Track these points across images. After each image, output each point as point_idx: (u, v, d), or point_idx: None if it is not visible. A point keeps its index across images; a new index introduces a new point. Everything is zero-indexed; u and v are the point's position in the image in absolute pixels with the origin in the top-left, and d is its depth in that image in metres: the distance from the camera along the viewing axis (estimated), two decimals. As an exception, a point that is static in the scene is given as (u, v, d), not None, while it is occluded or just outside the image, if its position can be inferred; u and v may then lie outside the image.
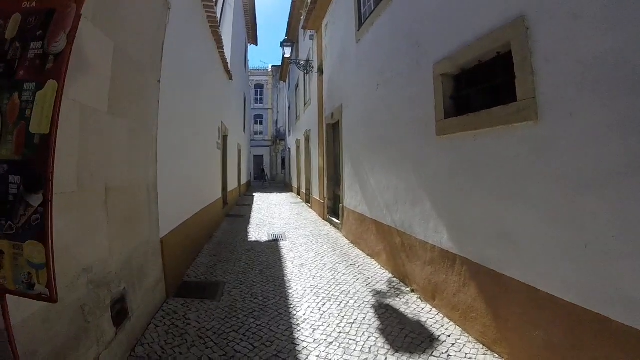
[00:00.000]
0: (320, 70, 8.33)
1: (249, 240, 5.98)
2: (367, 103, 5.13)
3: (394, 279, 4.03)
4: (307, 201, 11.00)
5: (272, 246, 5.54)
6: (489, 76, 2.58)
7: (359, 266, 4.54)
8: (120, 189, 2.37)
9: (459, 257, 2.82)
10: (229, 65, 8.75)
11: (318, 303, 3.25)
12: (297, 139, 13.55)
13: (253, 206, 10.73)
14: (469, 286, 2.62)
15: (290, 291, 3.58)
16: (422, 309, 3.13)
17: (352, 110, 5.93)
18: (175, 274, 3.66)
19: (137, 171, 2.72)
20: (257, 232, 6.68)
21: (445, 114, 3.09)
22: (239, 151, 12.69)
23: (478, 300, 2.48)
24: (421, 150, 3.50)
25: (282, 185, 23.21)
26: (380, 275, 4.17)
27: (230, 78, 9.41)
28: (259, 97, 30.15)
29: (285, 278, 4.01)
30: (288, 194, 15.60)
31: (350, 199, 6.02)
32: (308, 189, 11.15)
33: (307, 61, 9.82)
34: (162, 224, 3.28)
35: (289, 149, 18.51)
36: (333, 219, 7.26)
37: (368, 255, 5.01)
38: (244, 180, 14.92)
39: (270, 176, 27.15)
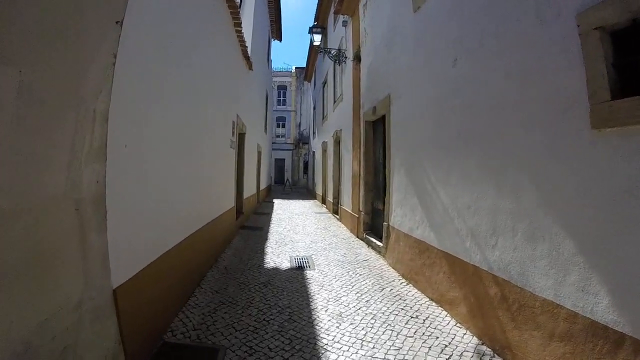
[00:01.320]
0: (358, 58, 6.92)
1: (265, 266, 4.59)
2: (435, 87, 3.69)
3: (485, 347, 2.57)
4: (335, 212, 9.56)
5: (296, 278, 4.12)
6: None
7: (424, 320, 3.08)
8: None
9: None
10: (249, 51, 7.48)
11: None
12: (323, 142, 12.18)
13: (272, 215, 9.39)
14: None
15: (330, 384, 2.15)
16: None
17: (406, 100, 4.48)
18: (149, 332, 2.31)
19: (48, 176, 1.38)
20: (277, 253, 5.28)
21: (611, 93, 1.64)
22: (259, 153, 11.43)
23: None
24: (552, 151, 2.06)
25: (304, 191, 21.88)
26: (460, 338, 2.75)
27: (250, 67, 8.15)
28: (281, 98, 29.10)
29: (318, 343, 2.59)
30: (311, 201, 14.21)
31: (402, 218, 4.54)
32: (336, 198, 9.71)
33: (339, 50, 8.45)
34: (122, 262, 1.95)
35: (313, 152, 17.17)
36: (372, 239, 5.78)
37: (433, 300, 3.54)
38: (263, 185, 13.66)
39: (291, 181, 25.89)
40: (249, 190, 8.80)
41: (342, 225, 7.95)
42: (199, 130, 3.73)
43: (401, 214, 4.57)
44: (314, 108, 17.35)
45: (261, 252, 5.28)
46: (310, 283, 3.96)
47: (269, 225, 7.72)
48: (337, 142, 9.58)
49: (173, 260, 2.84)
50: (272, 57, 17.06)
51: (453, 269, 3.25)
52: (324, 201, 12.36)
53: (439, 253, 3.54)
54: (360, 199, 6.52)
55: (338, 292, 3.69)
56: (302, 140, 27.52)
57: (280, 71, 28.64)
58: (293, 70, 29.23)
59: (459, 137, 3.21)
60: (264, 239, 6.30)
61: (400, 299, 3.61)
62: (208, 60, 4.14)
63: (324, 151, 12.44)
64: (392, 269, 4.62)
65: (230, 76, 5.72)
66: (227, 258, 4.87)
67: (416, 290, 3.87)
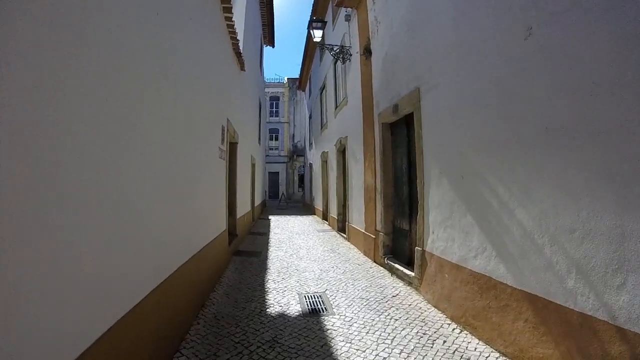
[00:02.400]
0: (368, 52, 5.97)
1: (268, 311, 3.46)
2: (495, 69, 2.73)
3: None
4: (341, 230, 8.46)
5: (312, 330, 3.00)
6: None
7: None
8: None
9: None
10: (241, 46, 6.48)
11: None
12: (323, 152, 11.16)
13: (270, 236, 8.23)
14: None
15: None
16: None
17: (446, 91, 3.50)
18: None
19: None
20: (281, 289, 4.15)
21: None
22: (253, 166, 10.34)
23: None
24: None
25: (300, 205, 20.73)
26: None
27: (242, 67, 7.15)
28: (274, 109, 28.19)
29: None
30: (310, 217, 13.08)
31: (446, 242, 3.49)
32: (342, 215, 8.62)
33: (343, 47, 7.51)
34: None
35: (310, 164, 16.13)
36: (396, 265, 4.69)
37: (507, 356, 2.52)
38: (258, 201, 12.51)
39: (286, 195, 24.73)
40: (243, 207, 7.67)
41: (352, 246, 6.85)
42: (177, 137, 2.66)
43: (445, 238, 3.51)
44: (310, 117, 16.39)
45: (261, 289, 4.14)
46: (332, 338, 2.85)
47: (268, 249, 6.58)
48: (342, 151, 8.55)
49: (138, 324, 1.74)
50: (263, 67, 16.16)
51: (543, 316, 2.28)
52: (325, 217, 11.25)
53: (516, 293, 2.53)
54: (378, 216, 5.46)
55: (375, 352, 2.60)
56: (297, 153, 26.54)
57: (272, 82, 27.83)
58: (285, 81, 28.45)
59: (547, 134, 2.22)
60: (263, 268, 5.16)
61: (462, 357, 2.53)
62: (192, 45, 3.11)
63: (324, 162, 11.40)
64: (433, 309, 3.54)
65: (218, 71, 4.69)
66: (218, 300, 3.72)
67: (478, 341, 2.83)
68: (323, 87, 11.46)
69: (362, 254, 6.12)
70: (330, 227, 9.62)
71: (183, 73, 2.90)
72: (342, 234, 8.05)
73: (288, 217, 12.86)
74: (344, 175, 8.17)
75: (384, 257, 5.15)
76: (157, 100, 2.23)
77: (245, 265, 5.27)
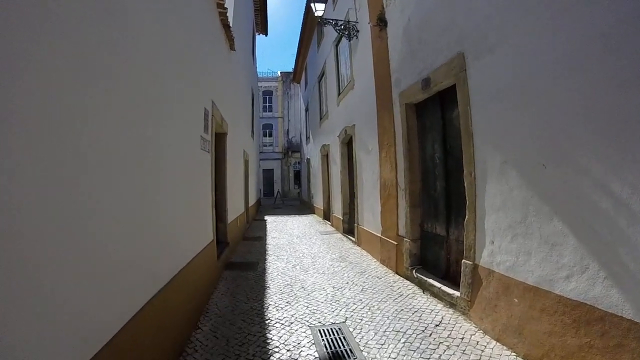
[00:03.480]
0: (382, 22, 4.96)
1: (274, 351, 2.47)
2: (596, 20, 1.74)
3: None
4: (348, 232, 7.48)
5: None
6: None
7: None
8: None
9: None
10: (230, 21, 5.45)
11: None
12: (323, 145, 10.15)
13: (268, 241, 7.22)
14: None
15: None
16: None
17: (513, 53, 2.53)
18: None
19: None
20: (286, 319, 3.16)
21: None
22: (246, 162, 9.30)
23: None
24: None
25: (297, 203, 19.70)
26: None
27: (232, 46, 6.11)
28: (267, 104, 27.06)
29: None
30: (309, 217, 12.08)
31: (516, 257, 2.55)
32: (347, 214, 7.64)
33: (348, 22, 6.49)
34: None
35: (308, 159, 15.11)
36: (432, 281, 3.73)
37: None
38: (253, 200, 11.47)
39: (282, 193, 23.67)
40: (235, 210, 6.65)
41: (365, 253, 5.88)
42: (128, 113, 1.65)
43: (514, 250, 2.55)
44: (307, 110, 15.36)
45: (260, 321, 3.14)
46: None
47: (266, 259, 5.57)
48: (347, 143, 7.56)
49: None
50: (256, 57, 15.04)
51: None
52: (327, 217, 10.27)
53: (638, 329, 1.56)
54: (401, 218, 4.49)
55: None
56: (292, 149, 25.50)
57: (265, 76, 26.67)
58: (279, 75, 27.31)
59: None
60: (262, 287, 4.16)
61: None
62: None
63: (325, 156, 10.40)
64: (496, 344, 2.61)
65: (202, 40, 3.66)
66: (203, 343, 2.72)
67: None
68: (322, 75, 10.44)
69: (378, 263, 5.15)
70: (334, 229, 8.64)
71: (155, 43, 1.87)
72: (350, 237, 7.07)
73: (285, 217, 11.84)
74: (351, 169, 7.18)
75: (411, 269, 4.19)
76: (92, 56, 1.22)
77: (239, 284, 4.26)
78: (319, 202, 11.78)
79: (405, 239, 4.36)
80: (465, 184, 3.22)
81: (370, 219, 5.76)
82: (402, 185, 4.45)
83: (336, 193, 8.52)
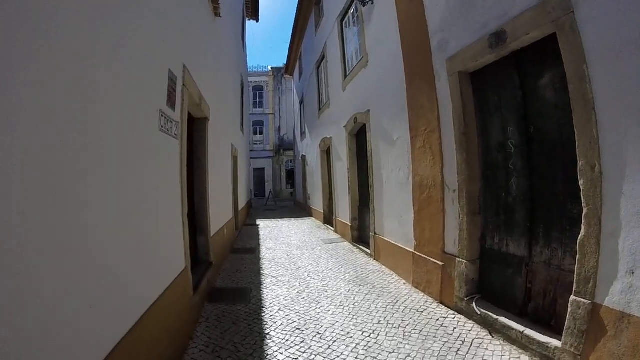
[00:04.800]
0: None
1: None
2: None
3: None
4: (358, 241, 6.24)
5: None
6: None
7: None
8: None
9: None
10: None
11: None
12: (323, 139, 8.88)
13: (262, 254, 5.91)
14: None
15: None
16: None
17: None
18: None
19: None
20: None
21: None
22: (235, 158, 7.96)
23: None
24: None
25: (290, 204, 18.36)
26: None
27: (217, 12, 4.81)
28: (257, 100, 25.63)
29: None
30: (307, 220, 10.78)
31: None
32: (358, 220, 6.40)
33: (361, -16, 5.25)
34: None
35: (303, 156, 13.80)
36: (505, 320, 2.51)
37: None
38: (243, 203, 10.12)
39: (274, 193, 22.29)
40: (221, 217, 5.33)
41: (387, 270, 4.64)
42: None
43: None
44: (301, 103, 14.06)
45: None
46: None
47: (261, 282, 4.27)
48: (357, 134, 6.33)
49: None
50: (246, 44, 13.65)
51: None
52: (328, 221, 9.02)
53: None
54: (452, 230, 3.26)
55: None
56: (284, 147, 24.21)
57: (255, 71, 25.23)
58: (269, 70, 25.92)
59: None
60: (258, 333, 2.88)
61: None
62: None
63: (325, 152, 9.15)
64: None
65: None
66: None
67: None
68: (322, 59, 9.17)
69: (410, 287, 3.92)
70: (339, 236, 7.38)
71: None
72: (363, 247, 5.83)
73: (280, 222, 10.53)
74: (364, 165, 5.94)
75: (468, 300, 2.97)
76: None
77: (226, 328, 2.96)
78: (317, 204, 10.51)
79: (458, 259, 3.14)
80: (581, 183, 2.03)
81: (394, 227, 4.52)
82: (453, 184, 3.22)
83: (341, 194, 7.26)
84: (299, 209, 15.18)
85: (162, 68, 2.34)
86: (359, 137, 6.21)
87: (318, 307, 3.39)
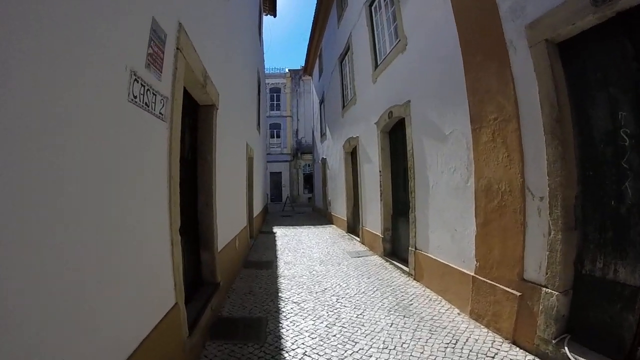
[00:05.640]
0: None
1: None
2: None
3: None
4: (389, 255, 5.38)
5: None
6: None
7: None
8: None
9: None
10: None
11: None
12: (349, 139, 8.07)
13: (280, 271, 5.11)
14: None
15: None
16: None
17: None
18: None
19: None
20: None
21: None
22: (250, 159, 7.25)
23: None
24: None
25: (308, 210, 17.57)
26: None
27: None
28: (275, 102, 25.08)
29: None
30: (328, 228, 9.97)
31: None
32: (390, 231, 5.53)
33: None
34: None
35: (323, 159, 13.01)
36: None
37: None
38: (258, 209, 9.40)
39: (291, 198, 21.54)
40: (233, 226, 4.60)
41: (432, 294, 3.77)
42: None
43: None
44: (321, 102, 13.32)
45: None
46: None
47: (279, 311, 3.46)
48: (388, 132, 5.50)
49: None
50: (263, 41, 13.03)
51: None
52: (352, 230, 8.19)
53: None
54: (536, 249, 2.38)
55: None
56: (302, 150, 23.53)
57: (272, 73, 24.72)
58: (287, 72, 25.36)
59: None
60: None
61: None
62: None
63: (350, 154, 8.35)
64: None
65: None
66: None
67: None
68: (346, 52, 8.40)
69: (468, 318, 3.05)
70: (366, 248, 6.52)
71: None
72: (397, 263, 4.96)
73: (298, 230, 9.75)
74: (401, 167, 5.10)
75: (557, 343, 2.09)
76: None
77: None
78: (340, 211, 9.68)
79: (545, 289, 2.26)
80: None
81: (444, 243, 3.65)
82: (539, 189, 2.36)
83: (371, 201, 6.41)
84: (318, 215, 14.37)
85: (144, 15, 1.60)
86: (394, 134, 5.37)
87: (355, 350, 2.57)
